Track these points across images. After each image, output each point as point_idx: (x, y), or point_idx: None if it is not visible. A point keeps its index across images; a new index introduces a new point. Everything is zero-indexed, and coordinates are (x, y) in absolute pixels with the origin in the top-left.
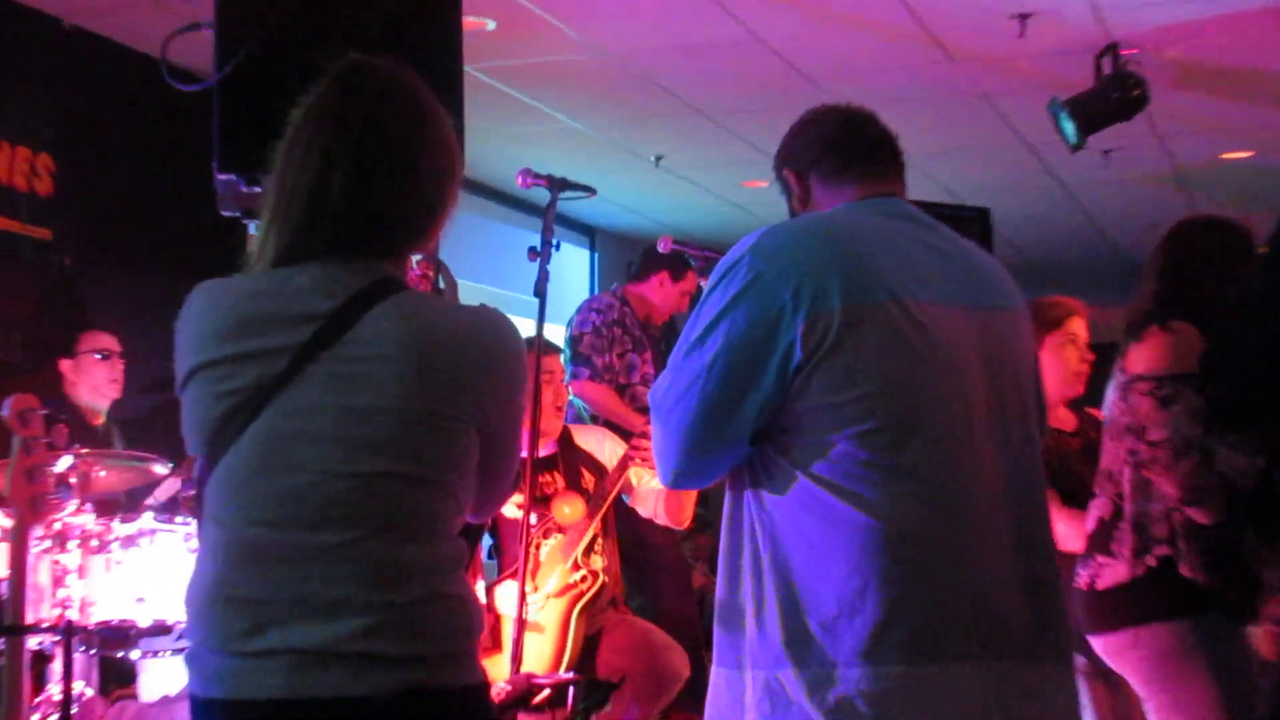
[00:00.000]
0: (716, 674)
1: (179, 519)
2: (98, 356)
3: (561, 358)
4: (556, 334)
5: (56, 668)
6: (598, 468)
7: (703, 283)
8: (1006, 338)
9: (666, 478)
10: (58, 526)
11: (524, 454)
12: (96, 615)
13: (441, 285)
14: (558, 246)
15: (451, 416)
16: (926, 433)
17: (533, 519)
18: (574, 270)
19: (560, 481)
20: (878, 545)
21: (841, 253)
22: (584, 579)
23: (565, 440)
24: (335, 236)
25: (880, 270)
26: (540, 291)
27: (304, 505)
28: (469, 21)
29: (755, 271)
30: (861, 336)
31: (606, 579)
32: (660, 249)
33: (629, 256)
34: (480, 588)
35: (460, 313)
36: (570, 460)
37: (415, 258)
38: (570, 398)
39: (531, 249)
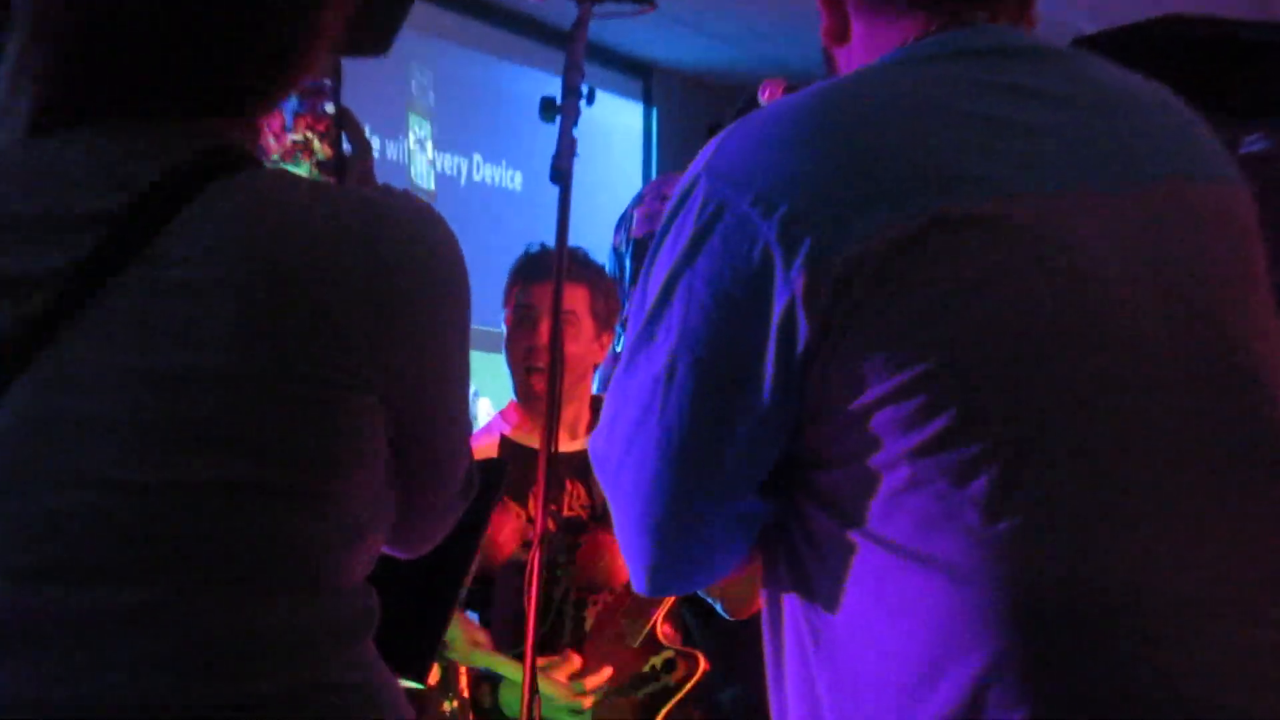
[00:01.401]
0: None
1: None
2: None
3: (595, 289)
4: (595, 243)
5: None
6: None
7: None
8: (1203, 234)
9: (641, 580)
10: None
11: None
12: None
13: (347, 149)
14: (590, 97)
15: (332, 381)
16: (1057, 437)
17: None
18: (619, 136)
19: (585, 497)
20: (1003, 646)
21: (857, 144)
22: (674, 667)
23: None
24: (130, 80)
25: (934, 160)
26: (562, 173)
27: (79, 542)
28: None
29: (715, 200)
30: (911, 279)
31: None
32: (764, 100)
33: (711, 113)
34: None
35: (349, 204)
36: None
37: (290, 107)
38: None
39: (547, 101)
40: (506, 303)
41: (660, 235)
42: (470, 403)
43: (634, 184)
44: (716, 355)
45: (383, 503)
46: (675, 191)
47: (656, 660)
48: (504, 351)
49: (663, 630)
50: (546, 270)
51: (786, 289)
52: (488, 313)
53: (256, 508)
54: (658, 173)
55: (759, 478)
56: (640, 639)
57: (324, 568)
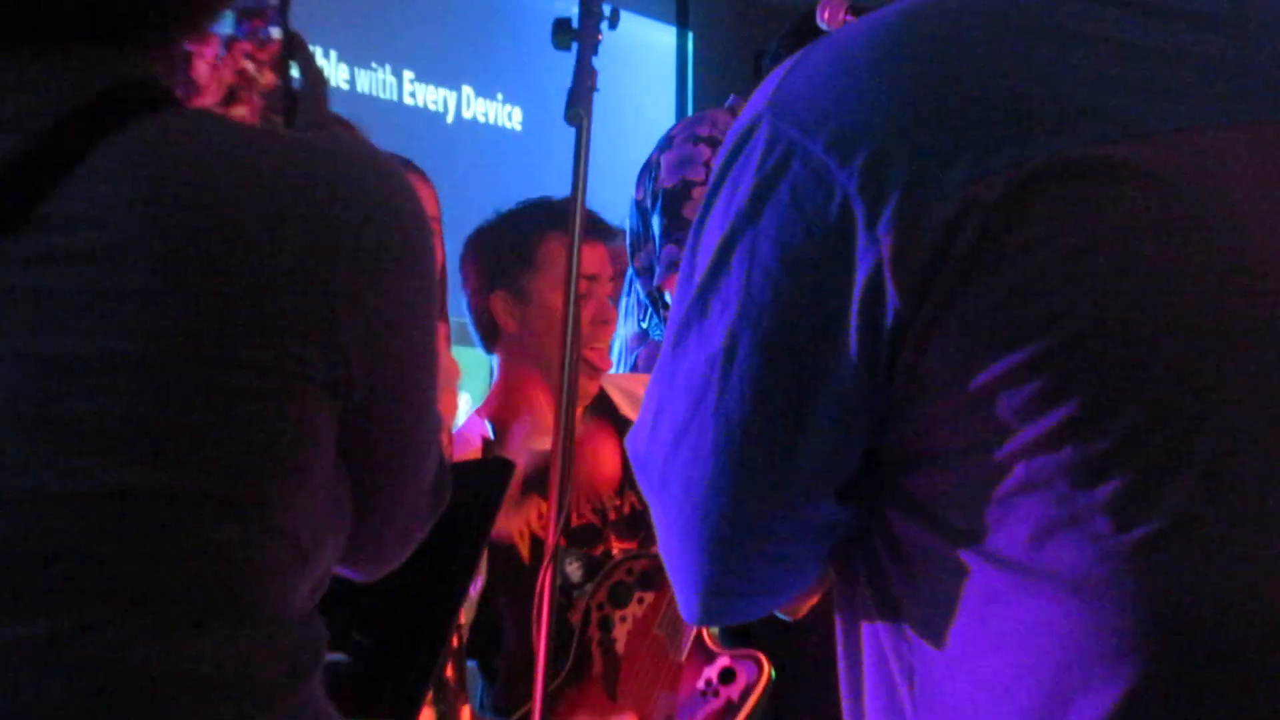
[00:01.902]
0: None
1: None
2: None
3: (626, 243)
4: (617, 198)
5: None
6: None
7: None
8: None
9: (692, 607)
10: None
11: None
12: None
13: (296, 79)
14: (613, 19)
15: (267, 367)
16: (1206, 428)
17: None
18: (647, 66)
19: (583, 498)
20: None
21: (951, 73)
22: (732, 676)
23: (607, 406)
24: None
25: (1047, 90)
26: (579, 113)
27: None
28: None
29: (781, 145)
30: (1023, 238)
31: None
32: (824, 21)
33: (758, 37)
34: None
35: (292, 153)
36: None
37: (225, 32)
38: (644, 325)
39: (561, 24)
40: (541, 265)
41: (713, 189)
42: (453, 397)
43: (665, 123)
44: (787, 330)
45: (332, 514)
46: (730, 136)
47: (711, 673)
48: (524, 322)
49: (709, 634)
50: (597, 230)
51: (871, 251)
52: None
53: (176, 521)
54: (693, 109)
55: (839, 478)
56: (686, 651)
57: (261, 593)
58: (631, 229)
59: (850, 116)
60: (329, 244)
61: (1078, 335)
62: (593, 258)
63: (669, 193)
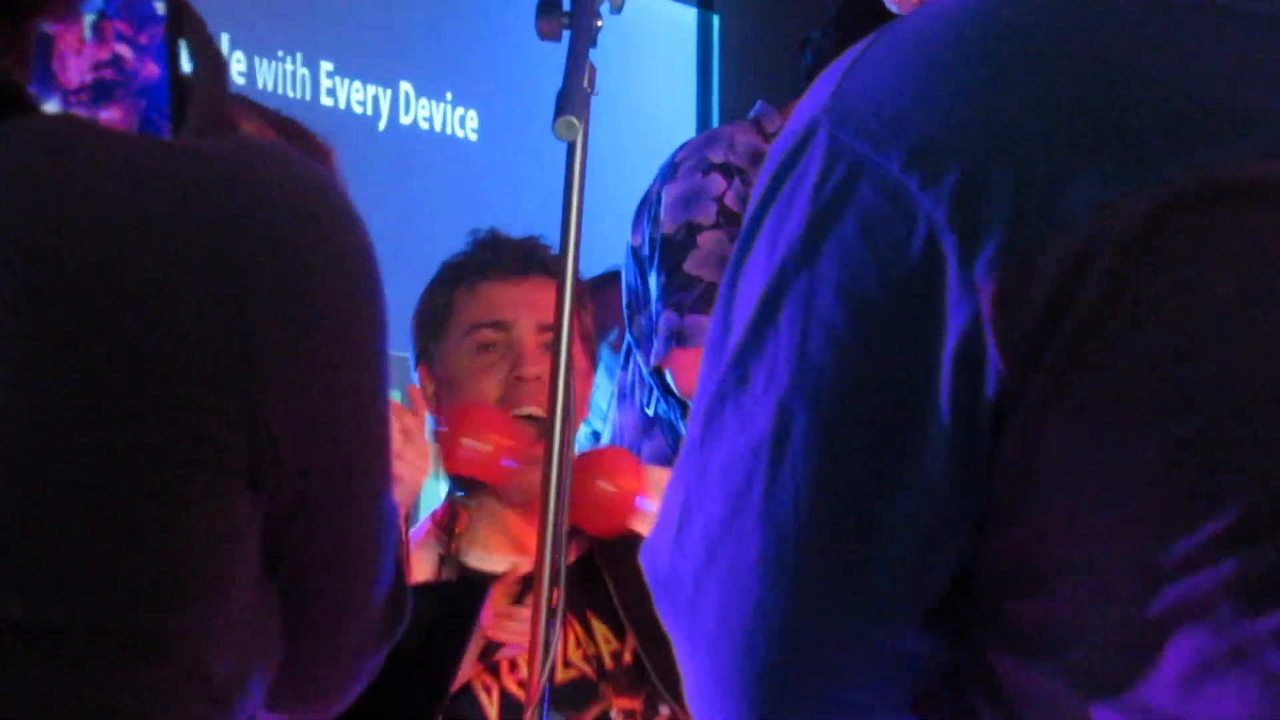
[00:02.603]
0: None
1: None
2: None
3: (623, 301)
4: (613, 226)
5: None
6: None
7: None
8: None
9: None
10: None
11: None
12: None
13: (188, 69)
14: (615, 2)
15: (162, 453)
16: None
17: None
18: (660, 61)
19: (571, 641)
20: None
21: (1063, 70)
22: None
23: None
24: None
25: (1188, 90)
26: (572, 121)
27: None
28: None
29: (845, 161)
30: (1176, 274)
31: None
32: (894, 1)
33: (803, 21)
34: None
35: (188, 170)
36: (601, 588)
37: (93, 8)
38: (649, 410)
39: (547, 6)
40: (445, 324)
41: (753, 221)
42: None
43: (684, 133)
44: (855, 407)
45: (256, 646)
46: (776, 151)
47: None
48: (439, 410)
49: None
50: (522, 263)
51: (966, 300)
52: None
53: (45, 663)
54: (719, 116)
55: (924, 602)
56: None
57: None
58: (628, 284)
59: (936, 124)
60: (242, 289)
61: (1242, 411)
62: (508, 298)
63: (669, 241)
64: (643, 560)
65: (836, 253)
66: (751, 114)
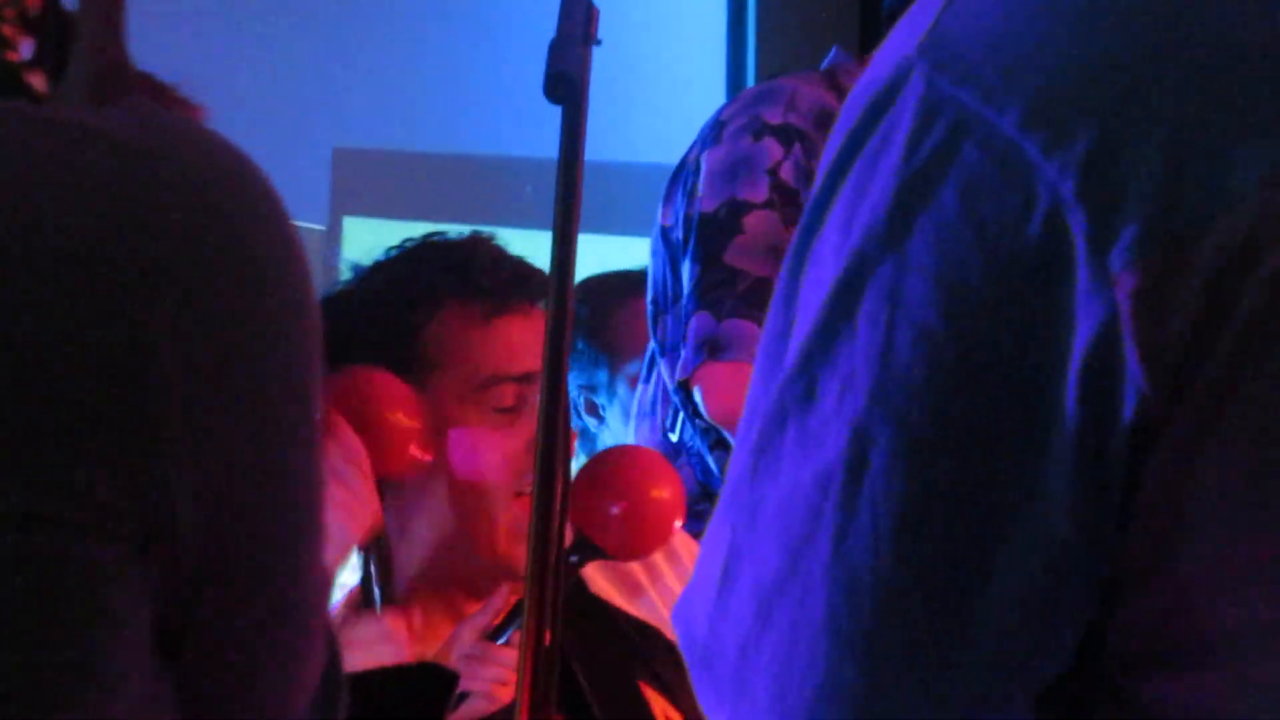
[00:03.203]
0: None
1: None
2: None
3: (647, 298)
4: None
5: None
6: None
7: None
8: None
9: None
10: None
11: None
12: None
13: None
14: None
15: (29, 516)
16: None
17: None
18: (680, 16)
19: None
20: None
21: (1215, 11)
22: None
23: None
24: None
25: None
26: (567, 77)
27: None
28: None
29: (945, 116)
30: None
31: None
32: None
33: None
34: None
35: (47, 140)
36: (570, 683)
37: None
38: (673, 436)
39: None
40: (433, 365)
41: (823, 191)
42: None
43: (711, 99)
44: (951, 429)
45: None
46: (855, 102)
47: None
48: (434, 481)
49: None
50: (522, 290)
51: (1099, 296)
52: None
53: None
54: (755, 74)
55: (1033, 682)
56: None
57: None
58: (655, 276)
59: (1063, 72)
60: (136, 310)
61: None
62: (531, 341)
63: (707, 222)
64: (675, 623)
65: (932, 233)
66: (826, 62)
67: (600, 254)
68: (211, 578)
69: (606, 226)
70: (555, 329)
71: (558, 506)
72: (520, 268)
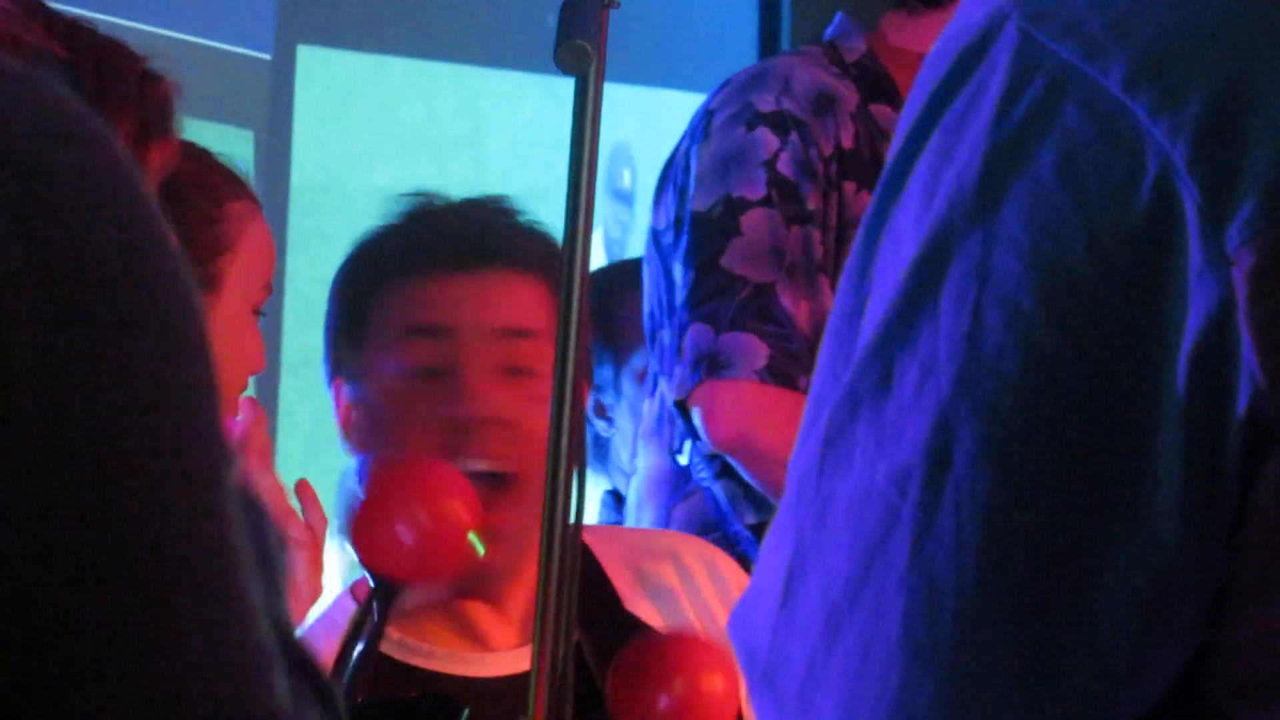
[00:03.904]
0: None
1: None
2: None
3: (645, 309)
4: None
5: None
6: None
7: None
8: None
9: None
10: None
11: None
12: None
13: None
14: None
15: None
16: None
17: None
18: None
19: None
20: None
21: None
22: None
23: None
24: None
25: None
26: (579, 45)
27: None
28: None
29: (1045, 69)
30: None
31: None
32: None
33: None
34: None
35: None
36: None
37: None
38: (680, 458)
39: None
40: (363, 330)
41: (901, 156)
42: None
43: (742, 62)
44: (1046, 421)
45: None
46: (940, 55)
47: None
48: (364, 449)
49: None
50: (475, 251)
51: (1213, 277)
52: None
53: None
54: (790, 39)
55: (1131, 708)
56: None
57: None
58: (650, 284)
59: (1175, 26)
60: None
61: None
62: (450, 296)
63: (701, 223)
64: (732, 634)
65: (1026, 203)
66: (829, 33)
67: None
68: (63, 653)
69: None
70: (564, 334)
71: (567, 514)
72: (440, 221)
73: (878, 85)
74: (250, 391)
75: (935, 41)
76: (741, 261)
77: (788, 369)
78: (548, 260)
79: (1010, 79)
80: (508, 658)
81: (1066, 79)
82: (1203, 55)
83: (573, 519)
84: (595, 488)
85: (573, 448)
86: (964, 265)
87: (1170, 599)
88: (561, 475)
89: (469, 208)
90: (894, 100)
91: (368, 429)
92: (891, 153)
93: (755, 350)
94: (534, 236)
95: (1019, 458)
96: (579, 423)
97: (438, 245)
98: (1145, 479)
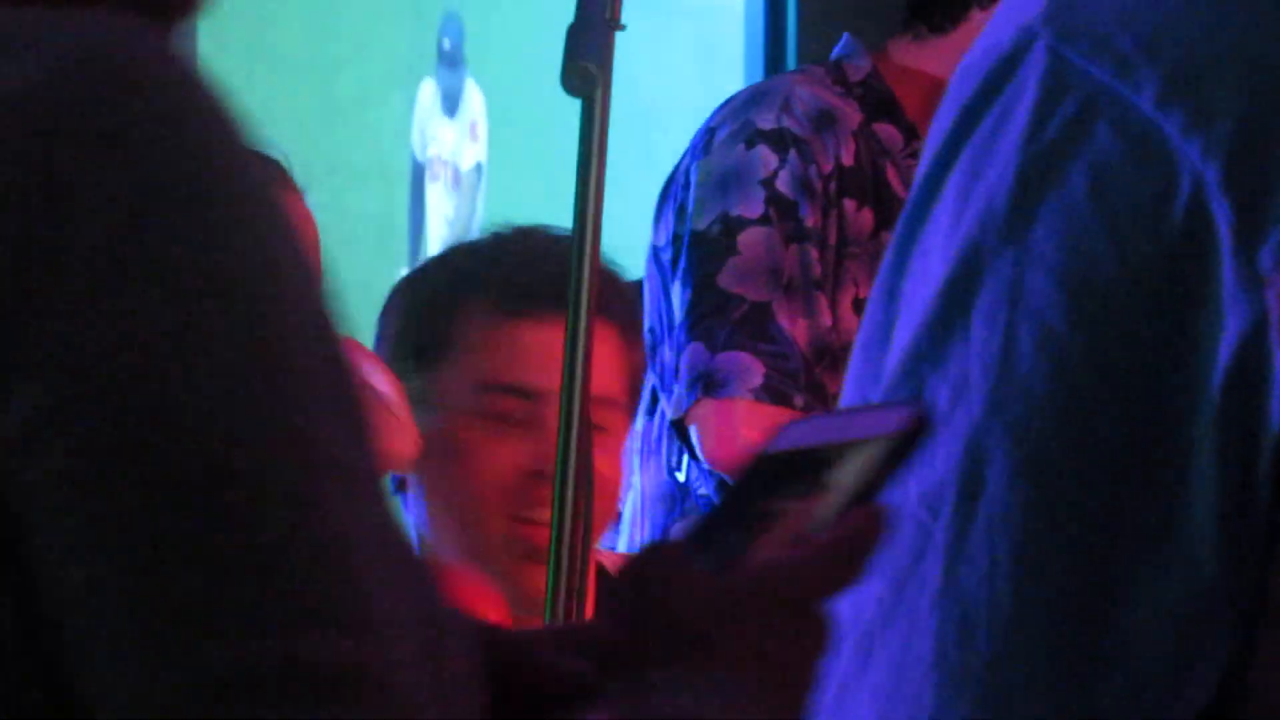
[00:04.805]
0: None
1: None
2: None
3: (630, 336)
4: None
5: None
6: None
7: None
8: None
9: None
10: None
11: None
12: None
13: None
14: None
15: None
16: None
17: None
18: None
19: None
20: None
21: None
22: None
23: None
24: None
25: None
26: (585, 67)
27: None
28: None
29: (1077, 89)
30: None
31: None
32: None
33: None
34: None
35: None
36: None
37: None
38: (680, 476)
39: None
40: (442, 359)
41: (931, 174)
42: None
43: (746, 80)
44: (1080, 443)
45: None
46: (969, 74)
47: None
48: (431, 481)
49: None
50: (551, 293)
51: (1246, 299)
52: None
53: None
54: (796, 58)
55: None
56: None
57: None
58: (650, 302)
59: (1206, 43)
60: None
61: None
62: (542, 353)
63: (699, 241)
64: None
65: (1058, 223)
66: (835, 53)
67: None
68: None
69: None
70: (571, 353)
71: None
72: (543, 260)
73: (882, 104)
74: None
75: (943, 62)
76: (738, 280)
77: (784, 387)
78: (625, 310)
79: (1041, 98)
80: None
81: (1098, 98)
82: (1235, 73)
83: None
84: None
85: (581, 471)
86: (995, 285)
87: (1205, 621)
88: (570, 503)
89: (560, 243)
90: (898, 119)
91: (436, 462)
92: (919, 171)
93: (751, 369)
94: (616, 282)
95: (1051, 479)
96: (587, 444)
97: (532, 283)
98: (1178, 501)
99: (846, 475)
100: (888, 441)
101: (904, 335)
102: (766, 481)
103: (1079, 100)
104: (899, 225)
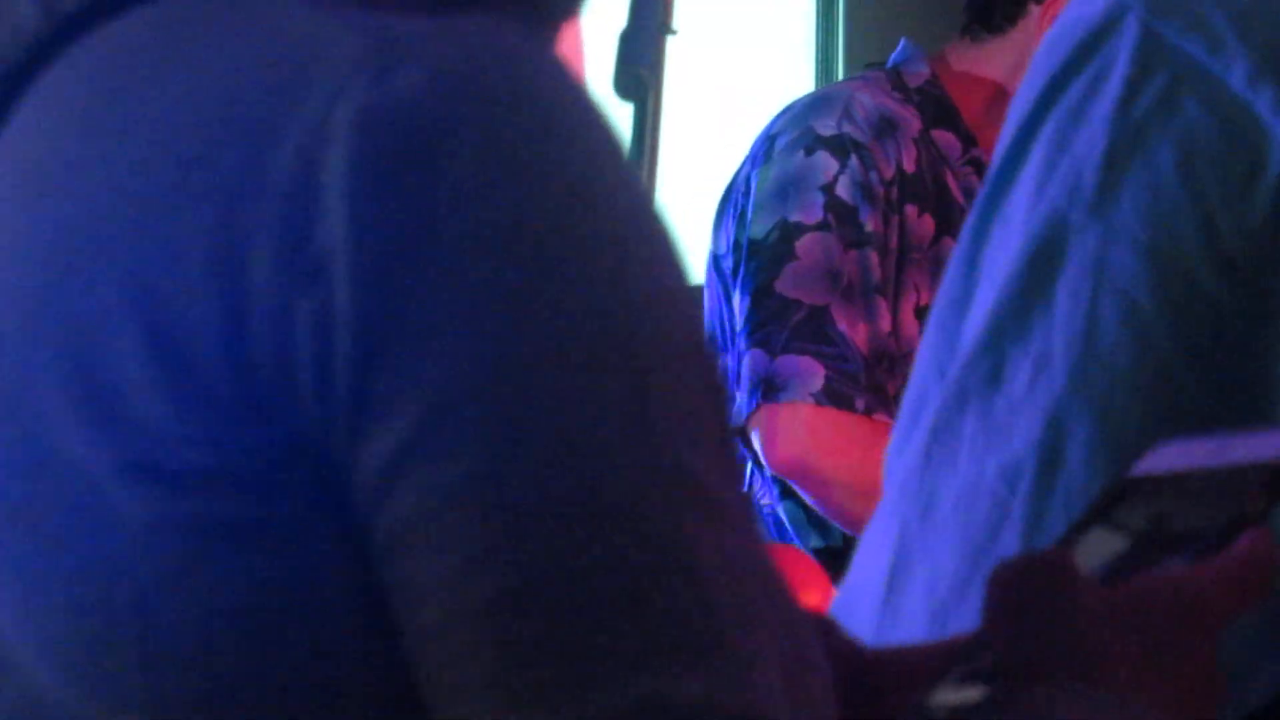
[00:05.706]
0: None
1: None
2: None
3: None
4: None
5: None
6: None
7: None
8: None
9: None
10: None
11: None
12: None
13: None
14: None
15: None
16: None
17: None
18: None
19: None
20: None
21: None
22: None
23: None
24: None
25: None
26: (638, 71)
27: None
28: None
29: (1166, 65)
30: None
31: None
32: None
33: None
34: None
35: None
36: None
37: None
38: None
39: None
40: None
41: (1014, 147)
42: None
43: (796, 88)
44: (1162, 420)
45: None
46: (1054, 48)
47: None
48: None
49: None
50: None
51: None
52: None
53: None
54: (845, 68)
55: (1246, 703)
56: None
57: None
58: (711, 310)
59: None
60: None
61: None
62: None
63: (758, 248)
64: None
65: (1144, 197)
66: (892, 59)
67: None
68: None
69: None
70: None
71: None
72: None
73: (940, 111)
74: None
75: (1003, 66)
76: (795, 285)
77: (845, 390)
78: None
79: (1132, 73)
80: None
81: (1188, 75)
82: None
83: None
84: None
85: None
86: (1080, 259)
87: None
88: None
89: None
90: (956, 127)
91: None
92: (1003, 140)
93: (812, 372)
94: None
95: (1132, 455)
96: None
97: None
98: None
99: (1223, 499)
100: (1271, 469)
101: (983, 307)
102: (1145, 500)
103: (1170, 76)
104: (981, 192)
